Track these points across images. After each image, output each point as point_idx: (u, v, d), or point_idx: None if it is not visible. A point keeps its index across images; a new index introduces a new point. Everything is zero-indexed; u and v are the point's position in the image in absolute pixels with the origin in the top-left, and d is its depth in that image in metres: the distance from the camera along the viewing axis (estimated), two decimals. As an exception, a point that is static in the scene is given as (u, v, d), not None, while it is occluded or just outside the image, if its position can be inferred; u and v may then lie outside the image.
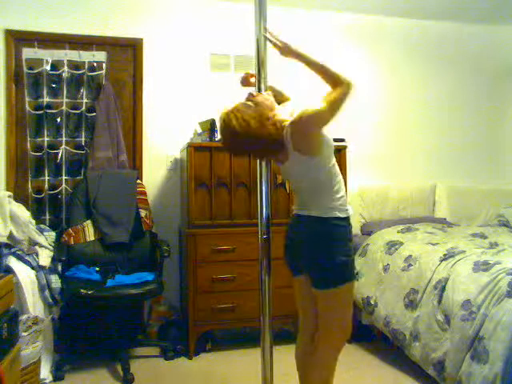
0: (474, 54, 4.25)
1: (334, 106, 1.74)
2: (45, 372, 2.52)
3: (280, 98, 2.01)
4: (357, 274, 1.95)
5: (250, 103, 1.79)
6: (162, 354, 3.03)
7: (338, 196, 1.83)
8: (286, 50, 1.87)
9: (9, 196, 2.80)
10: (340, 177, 1.88)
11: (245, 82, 2.06)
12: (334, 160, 1.85)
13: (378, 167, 3.98)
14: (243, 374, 2.70)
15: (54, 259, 2.86)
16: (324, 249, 1.80)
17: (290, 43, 1.87)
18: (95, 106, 3.41)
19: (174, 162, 3.61)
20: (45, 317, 2.56)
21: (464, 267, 2.41)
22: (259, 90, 1.93)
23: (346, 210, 1.86)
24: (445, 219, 3.78)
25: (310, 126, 1.74)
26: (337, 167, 1.87)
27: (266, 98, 1.84)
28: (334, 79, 1.77)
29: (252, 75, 2.01)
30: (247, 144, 1.80)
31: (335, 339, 1.89)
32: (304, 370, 2.00)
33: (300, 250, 1.88)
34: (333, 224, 1.80)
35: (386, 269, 2.96)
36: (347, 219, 1.86)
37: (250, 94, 1.83)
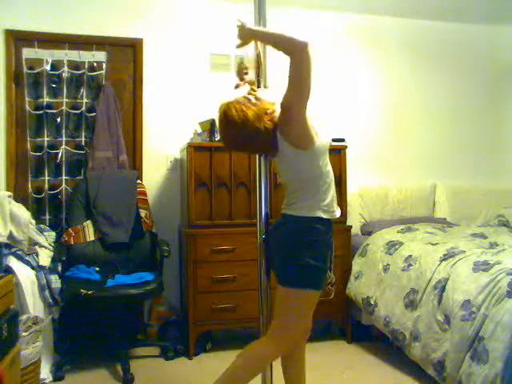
0: (473, 54, 4.25)
1: (301, 79, 1.67)
2: (45, 372, 2.52)
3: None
4: (329, 283, 1.88)
5: (250, 97, 1.79)
6: (162, 354, 3.03)
7: (325, 197, 1.81)
8: (244, 34, 1.80)
9: (9, 196, 2.80)
10: (331, 178, 1.85)
11: (240, 76, 1.98)
12: (326, 160, 1.83)
13: (378, 167, 3.98)
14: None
15: (54, 259, 2.85)
16: (294, 248, 1.78)
17: (246, 25, 1.79)
18: (95, 106, 3.41)
19: (174, 162, 3.61)
20: (45, 317, 2.56)
21: (464, 267, 2.41)
22: (258, 87, 1.93)
23: (333, 211, 1.84)
24: (445, 219, 3.78)
25: (290, 108, 1.70)
26: (330, 168, 1.85)
27: (268, 93, 1.84)
28: (288, 49, 1.65)
29: (245, 67, 1.95)
30: (243, 136, 1.78)
31: (276, 341, 1.84)
32: (285, 372, 2.04)
33: (273, 247, 1.88)
34: (310, 226, 1.78)
35: (385, 269, 2.96)
36: (329, 225, 1.83)
37: (252, 89, 1.84)
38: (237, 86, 1.97)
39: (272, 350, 1.86)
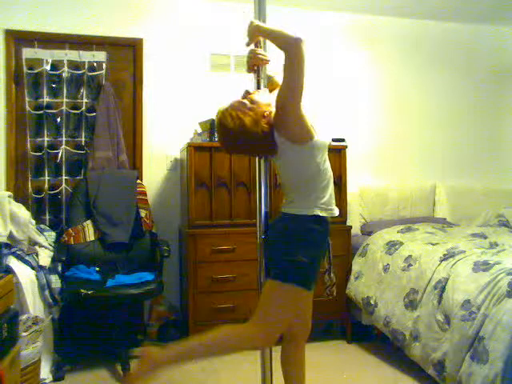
0: (474, 53, 4.25)
1: (294, 74, 1.66)
2: (45, 372, 2.52)
3: (270, 86, 1.98)
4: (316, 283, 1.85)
5: (245, 101, 1.78)
6: (162, 354, 3.02)
7: (324, 195, 1.80)
8: (251, 30, 1.82)
9: (9, 196, 2.80)
10: (330, 176, 1.84)
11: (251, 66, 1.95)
12: (325, 157, 1.82)
13: (378, 167, 3.98)
14: (243, 374, 2.70)
15: (54, 259, 2.85)
16: (289, 244, 1.76)
17: (254, 21, 1.82)
18: (95, 106, 3.41)
19: (174, 162, 3.61)
20: (45, 317, 2.56)
21: (464, 267, 2.42)
22: (258, 88, 1.93)
23: (331, 209, 1.83)
24: (445, 219, 3.78)
25: (285, 105, 1.71)
26: (328, 166, 1.84)
27: (263, 95, 1.84)
28: (282, 44, 1.66)
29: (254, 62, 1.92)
30: (242, 142, 1.79)
31: (254, 333, 1.78)
32: (284, 370, 2.02)
33: (270, 244, 1.87)
34: (308, 225, 1.77)
35: (385, 269, 2.96)
36: (326, 224, 1.82)
37: (247, 92, 1.83)
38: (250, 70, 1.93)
39: (247, 339, 1.81)
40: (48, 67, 3.37)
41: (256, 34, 1.84)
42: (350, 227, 3.29)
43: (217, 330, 1.80)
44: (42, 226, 3.15)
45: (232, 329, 1.84)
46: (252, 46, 1.91)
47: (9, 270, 2.40)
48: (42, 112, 3.35)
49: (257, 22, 1.82)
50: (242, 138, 1.76)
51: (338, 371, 2.75)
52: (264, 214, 1.96)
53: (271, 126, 1.77)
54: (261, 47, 1.92)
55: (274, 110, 1.78)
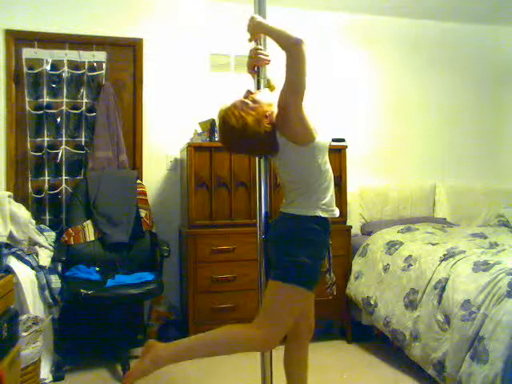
0: (473, 54, 4.25)
1: (296, 76, 1.67)
2: (45, 372, 2.52)
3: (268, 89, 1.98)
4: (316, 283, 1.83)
5: (248, 101, 1.78)
6: (162, 354, 3.02)
7: (325, 196, 1.80)
8: (253, 26, 1.82)
9: (9, 196, 2.79)
10: (330, 177, 1.85)
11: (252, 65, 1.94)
12: (326, 158, 1.83)
13: (378, 167, 3.98)
14: (243, 373, 2.69)
15: (54, 259, 2.85)
16: (290, 244, 1.76)
17: (256, 17, 1.82)
18: (95, 106, 3.41)
19: (174, 162, 3.61)
20: (45, 317, 2.55)
21: (464, 267, 2.42)
22: (258, 88, 1.93)
23: (332, 210, 1.83)
24: (445, 219, 3.78)
25: (287, 105, 1.71)
26: (329, 167, 1.84)
27: (264, 95, 1.84)
28: (283, 45, 1.66)
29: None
30: (244, 141, 1.79)
31: (259, 334, 1.77)
32: (287, 370, 2.03)
33: (270, 244, 1.87)
34: (308, 224, 1.77)
35: (385, 269, 2.96)
36: (326, 224, 1.81)
37: (248, 92, 1.83)
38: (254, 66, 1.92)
39: (250, 340, 1.80)
40: (48, 67, 3.37)
41: (257, 31, 1.84)
42: (350, 227, 3.29)
43: (220, 329, 1.81)
44: (42, 226, 3.15)
45: (236, 329, 1.84)
46: (253, 44, 1.91)
47: (9, 270, 2.40)
48: (42, 112, 3.35)
49: (259, 19, 1.81)
50: (245, 137, 1.76)
51: (338, 371, 2.75)
52: (264, 214, 1.96)
53: (273, 125, 1.77)
54: (261, 44, 1.91)
55: (275, 109, 1.78)
